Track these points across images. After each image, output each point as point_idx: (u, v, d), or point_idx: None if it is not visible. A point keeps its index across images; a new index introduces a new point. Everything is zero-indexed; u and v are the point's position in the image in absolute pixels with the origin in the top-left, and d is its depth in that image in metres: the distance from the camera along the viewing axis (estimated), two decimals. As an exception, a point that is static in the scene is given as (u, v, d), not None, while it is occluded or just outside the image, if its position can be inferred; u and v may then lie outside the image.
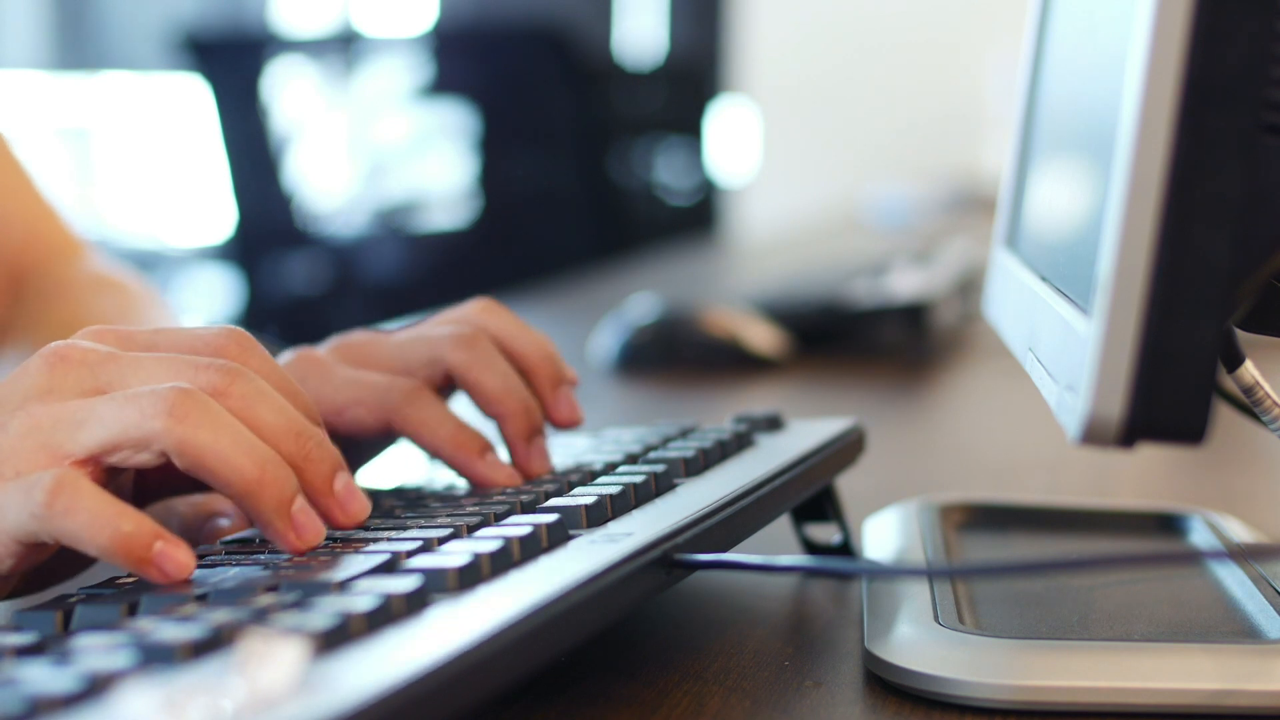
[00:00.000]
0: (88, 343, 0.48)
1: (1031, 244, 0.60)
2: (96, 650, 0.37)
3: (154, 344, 0.50)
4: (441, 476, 0.61)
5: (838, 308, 1.17)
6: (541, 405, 0.59)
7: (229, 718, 0.32)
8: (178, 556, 0.43)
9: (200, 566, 0.46)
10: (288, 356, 0.58)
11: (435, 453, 0.57)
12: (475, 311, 0.61)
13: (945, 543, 0.60)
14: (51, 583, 0.50)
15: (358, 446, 0.60)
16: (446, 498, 0.55)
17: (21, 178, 0.88)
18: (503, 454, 0.59)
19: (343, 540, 0.48)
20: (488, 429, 0.58)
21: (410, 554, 0.45)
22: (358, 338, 0.60)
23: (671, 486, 0.54)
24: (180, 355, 0.48)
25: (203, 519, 0.57)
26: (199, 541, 0.55)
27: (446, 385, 0.59)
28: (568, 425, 0.60)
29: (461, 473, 0.57)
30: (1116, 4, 0.45)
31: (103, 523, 0.43)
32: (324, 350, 0.59)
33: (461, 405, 0.59)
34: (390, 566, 0.43)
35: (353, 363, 0.58)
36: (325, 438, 0.49)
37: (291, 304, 2.69)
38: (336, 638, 0.37)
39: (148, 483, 0.52)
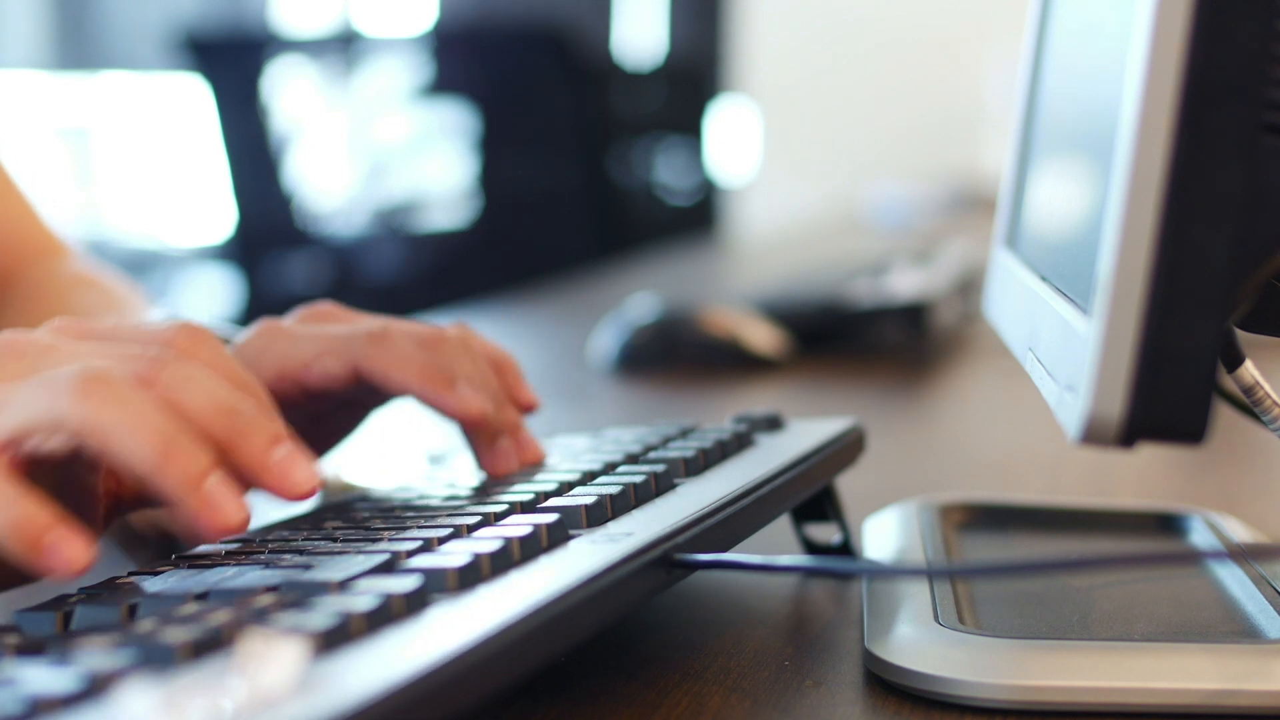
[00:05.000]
0: (40, 333, 0.47)
1: (1031, 244, 0.60)
2: (96, 650, 0.37)
3: (111, 336, 0.49)
4: (441, 476, 0.61)
5: (838, 308, 1.17)
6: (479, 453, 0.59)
7: (229, 718, 0.32)
8: (68, 551, 0.41)
9: (200, 566, 0.46)
10: (251, 331, 0.57)
11: (405, 389, 0.56)
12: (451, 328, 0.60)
13: (945, 543, 0.60)
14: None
15: (340, 416, 0.60)
16: (446, 498, 0.55)
17: (3, 180, 0.88)
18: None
19: (343, 540, 0.48)
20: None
21: (410, 554, 0.45)
22: (323, 306, 0.60)
23: (671, 486, 0.54)
24: (117, 345, 0.47)
25: (153, 530, 0.56)
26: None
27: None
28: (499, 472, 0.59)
29: (433, 406, 0.56)
30: (1116, 4, 0.45)
31: None
32: (288, 318, 0.59)
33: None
34: (390, 566, 0.43)
35: (317, 323, 0.58)
36: (261, 411, 0.46)
37: (291, 304, 2.68)
38: (336, 638, 0.37)
39: (124, 495, 0.51)
